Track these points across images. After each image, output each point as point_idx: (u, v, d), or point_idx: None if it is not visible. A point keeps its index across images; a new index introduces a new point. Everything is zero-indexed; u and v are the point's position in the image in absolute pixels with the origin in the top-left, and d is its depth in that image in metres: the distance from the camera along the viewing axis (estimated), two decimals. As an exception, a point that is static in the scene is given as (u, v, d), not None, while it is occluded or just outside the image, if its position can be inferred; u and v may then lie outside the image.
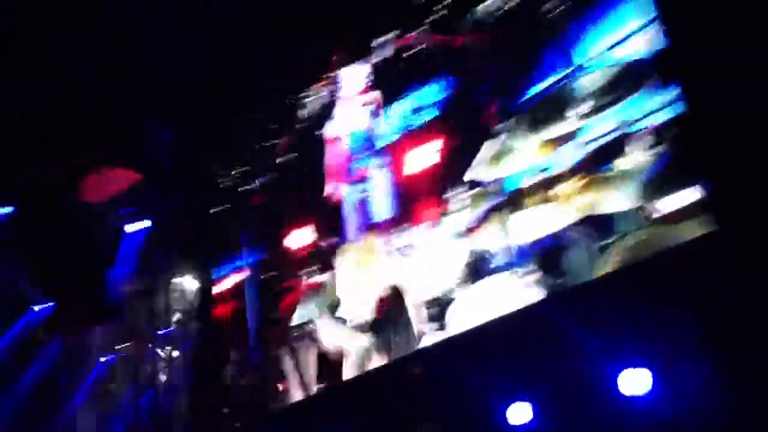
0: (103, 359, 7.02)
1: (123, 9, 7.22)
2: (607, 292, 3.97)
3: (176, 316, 7.00)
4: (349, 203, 5.65)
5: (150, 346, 6.87)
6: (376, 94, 5.75)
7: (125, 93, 7.41)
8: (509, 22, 4.90)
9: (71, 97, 6.92)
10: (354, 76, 5.94)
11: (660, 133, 4.00)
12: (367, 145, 5.69)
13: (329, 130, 6.00)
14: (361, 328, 5.17)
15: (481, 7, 5.07)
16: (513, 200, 4.59)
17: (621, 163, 4.17)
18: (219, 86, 7.12)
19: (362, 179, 5.65)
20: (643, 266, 3.91)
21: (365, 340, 5.11)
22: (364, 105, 5.80)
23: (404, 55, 5.60)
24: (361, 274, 5.31)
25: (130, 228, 6.85)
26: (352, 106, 5.91)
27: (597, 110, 4.33)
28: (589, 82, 4.40)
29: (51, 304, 6.92)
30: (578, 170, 4.34)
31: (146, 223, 6.91)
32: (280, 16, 6.56)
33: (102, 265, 6.89)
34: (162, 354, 6.86)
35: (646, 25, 4.12)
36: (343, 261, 5.45)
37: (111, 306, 6.60)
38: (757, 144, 3.22)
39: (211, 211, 7.00)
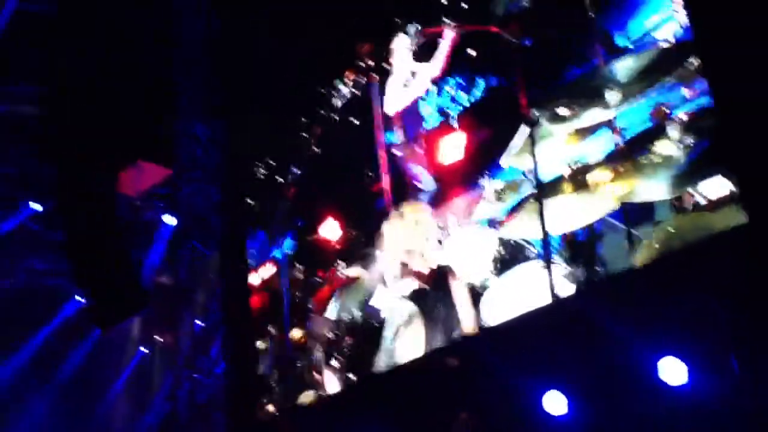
0: (142, 349, 7.19)
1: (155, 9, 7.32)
2: (643, 282, 3.93)
3: (212, 307, 7.09)
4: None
5: (188, 337, 6.97)
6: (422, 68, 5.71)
7: (156, 90, 7.50)
8: (540, 8, 4.85)
9: (101, 94, 7.00)
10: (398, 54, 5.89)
11: (694, 121, 3.94)
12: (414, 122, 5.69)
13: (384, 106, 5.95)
14: (403, 302, 5.17)
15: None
16: (548, 189, 4.55)
17: (656, 151, 4.11)
18: (248, 80, 7.16)
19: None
20: (677, 256, 3.86)
21: (410, 307, 5.11)
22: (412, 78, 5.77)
23: (433, 44, 5.58)
24: (409, 240, 5.28)
25: (165, 220, 6.95)
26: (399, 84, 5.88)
27: (631, 96, 4.26)
28: (623, 67, 4.33)
29: (87, 296, 7.03)
30: (613, 159, 4.29)
31: (174, 219, 6.99)
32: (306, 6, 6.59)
33: (136, 256, 6.99)
34: (198, 343, 6.96)
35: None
36: (391, 226, 5.41)
37: (145, 296, 6.69)
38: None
39: (247, 202, 7.05)
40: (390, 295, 5.27)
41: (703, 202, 3.84)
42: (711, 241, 3.68)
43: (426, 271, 5.09)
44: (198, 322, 7.04)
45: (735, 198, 3.63)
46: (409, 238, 5.19)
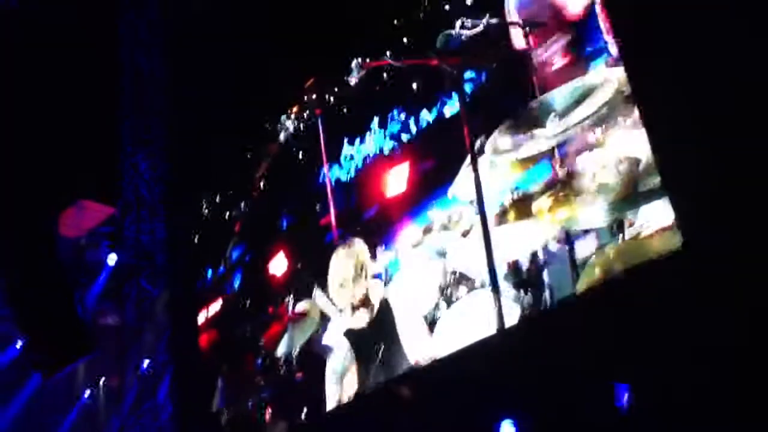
0: (86, 393, 6.96)
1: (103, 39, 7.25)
2: (588, 307, 3.99)
3: (160, 347, 6.93)
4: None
5: (134, 377, 6.80)
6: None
7: (101, 124, 7.41)
8: (481, 43, 4.95)
9: (44, 130, 6.89)
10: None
11: (630, 148, 4.05)
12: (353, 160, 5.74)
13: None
14: (349, 336, 5.15)
15: (452, 30, 5.11)
16: (492, 218, 4.61)
17: (595, 179, 4.21)
18: (193, 115, 7.13)
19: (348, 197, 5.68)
20: (618, 281, 3.93)
21: (354, 350, 5.09)
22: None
23: (379, 77, 5.64)
24: (351, 275, 5.28)
25: (108, 260, 6.82)
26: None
27: (570, 126, 4.37)
28: (561, 97, 4.44)
29: (27, 340, 6.84)
30: (554, 186, 4.38)
31: (118, 257, 6.87)
32: (253, 41, 6.61)
33: (78, 298, 6.82)
34: (146, 385, 6.79)
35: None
36: (337, 260, 5.41)
37: (89, 340, 6.52)
38: (727, 161, 3.27)
39: (194, 239, 6.96)
40: (339, 331, 5.24)
41: (642, 228, 3.94)
42: (649, 267, 3.75)
43: (369, 306, 5.09)
44: (145, 362, 6.88)
45: (673, 224, 3.72)
46: (351, 272, 5.20)
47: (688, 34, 3.48)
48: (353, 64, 5.56)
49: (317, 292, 5.46)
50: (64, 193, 7.00)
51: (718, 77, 3.34)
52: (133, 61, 7.66)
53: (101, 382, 6.99)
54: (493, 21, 4.78)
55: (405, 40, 5.45)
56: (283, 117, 6.28)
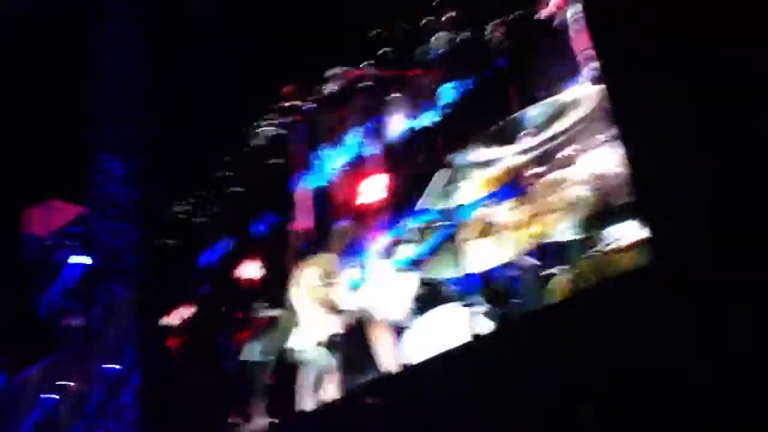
0: (50, 396, 6.84)
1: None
2: (557, 320, 4.06)
3: (127, 350, 6.86)
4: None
5: (96, 382, 6.70)
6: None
7: (71, 125, 7.33)
8: (459, 56, 5.03)
9: (12, 126, 6.79)
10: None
11: (603, 165, 4.14)
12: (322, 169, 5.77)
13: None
14: (321, 346, 5.18)
15: (430, 42, 5.19)
16: (465, 230, 4.68)
17: (567, 194, 4.30)
18: (168, 116, 7.09)
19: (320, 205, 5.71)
20: (588, 294, 4.03)
21: (324, 358, 5.12)
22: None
23: (354, 87, 5.69)
24: (321, 286, 5.33)
25: (72, 261, 6.72)
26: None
27: (542, 143, 4.46)
28: (537, 114, 4.53)
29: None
30: (527, 201, 4.46)
31: (87, 258, 6.78)
32: (230, 41, 6.61)
33: (41, 299, 6.71)
34: (109, 390, 6.71)
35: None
36: (309, 267, 5.43)
37: (51, 341, 6.42)
38: (703, 180, 3.35)
39: (160, 243, 6.90)
40: (309, 338, 5.26)
41: (613, 243, 4.03)
42: (618, 281, 3.85)
43: (340, 314, 5.13)
44: (111, 365, 6.79)
45: (644, 240, 3.81)
46: (323, 280, 5.23)
47: (666, 54, 3.57)
48: (330, 73, 5.62)
49: (289, 299, 5.47)
50: (32, 191, 6.89)
51: (696, 95, 3.43)
52: (104, 59, 7.57)
53: (65, 385, 6.89)
54: (470, 35, 4.88)
55: (385, 50, 5.50)
56: (261, 122, 6.28)
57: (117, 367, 6.68)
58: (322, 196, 5.80)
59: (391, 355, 4.78)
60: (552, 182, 4.40)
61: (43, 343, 6.46)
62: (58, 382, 6.83)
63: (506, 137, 4.60)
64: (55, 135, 7.11)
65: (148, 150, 7.15)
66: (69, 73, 7.33)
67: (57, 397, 6.76)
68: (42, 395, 6.93)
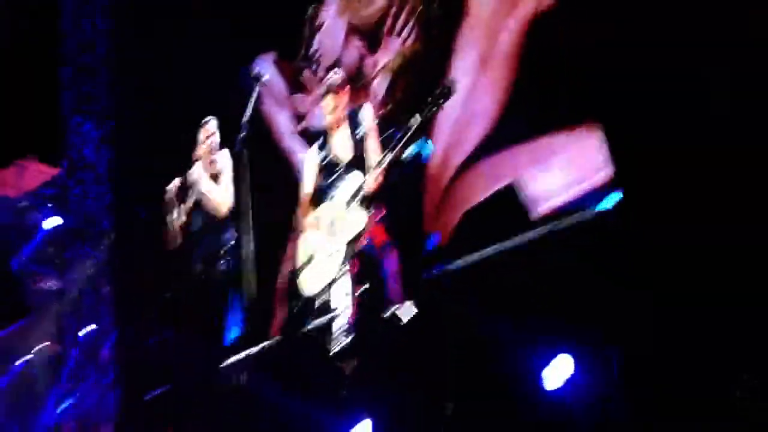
0: (20, 361, 6.79)
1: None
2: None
3: (102, 311, 6.81)
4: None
5: (71, 344, 6.66)
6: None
7: (46, 83, 7.18)
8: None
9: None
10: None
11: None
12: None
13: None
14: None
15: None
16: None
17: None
18: (142, 76, 6.95)
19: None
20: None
21: None
22: None
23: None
24: None
25: (46, 224, 6.62)
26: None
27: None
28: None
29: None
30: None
31: (59, 220, 6.66)
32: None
33: (14, 262, 6.63)
34: (87, 350, 6.67)
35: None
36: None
37: (24, 303, 6.34)
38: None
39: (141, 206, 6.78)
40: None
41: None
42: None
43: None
44: (86, 328, 6.73)
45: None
46: None
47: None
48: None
49: None
50: (5, 152, 6.77)
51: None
52: (77, 22, 7.40)
53: (39, 348, 6.85)
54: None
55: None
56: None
57: (91, 328, 6.63)
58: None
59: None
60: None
61: (16, 306, 6.38)
62: (31, 345, 6.79)
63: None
64: (29, 96, 6.96)
65: (123, 111, 7.01)
66: (43, 33, 7.18)
67: (31, 359, 6.73)
68: (15, 358, 6.89)
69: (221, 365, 5.10)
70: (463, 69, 4.60)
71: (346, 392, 4.23)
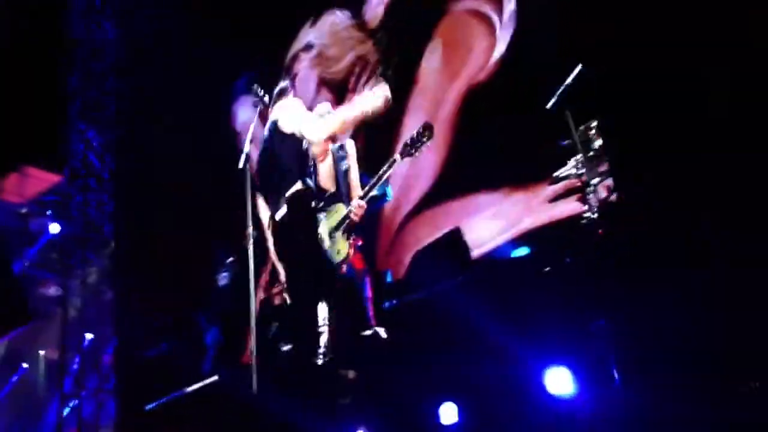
0: (24, 366, 6.78)
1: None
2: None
3: (103, 318, 6.81)
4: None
5: (72, 351, 6.66)
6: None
7: (50, 91, 7.21)
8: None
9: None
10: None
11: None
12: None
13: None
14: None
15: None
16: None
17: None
18: (146, 85, 6.98)
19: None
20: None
21: None
22: None
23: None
24: None
25: (50, 229, 6.63)
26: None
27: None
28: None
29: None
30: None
31: (58, 227, 6.68)
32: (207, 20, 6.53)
33: (16, 266, 6.63)
34: (89, 357, 6.67)
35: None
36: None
37: (27, 310, 6.33)
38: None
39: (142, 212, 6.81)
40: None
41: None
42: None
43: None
44: (88, 335, 6.73)
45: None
46: None
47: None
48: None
49: None
50: (8, 159, 6.78)
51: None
52: (85, 29, 7.44)
53: (41, 354, 6.85)
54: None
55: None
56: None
57: (91, 336, 6.63)
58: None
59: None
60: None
61: (17, 312, 6.36)
62: (34, 351, 6.79)
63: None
64: (32, 101, 6.97)
65: (126, 119, 7.05)
66: (46, 39, 7.20)
67: (32, 366, 6.73)
68: (19, 364, 6.88)
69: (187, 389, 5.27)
70: (412, 128, 5.16)
71: (340, 402, 4.32)
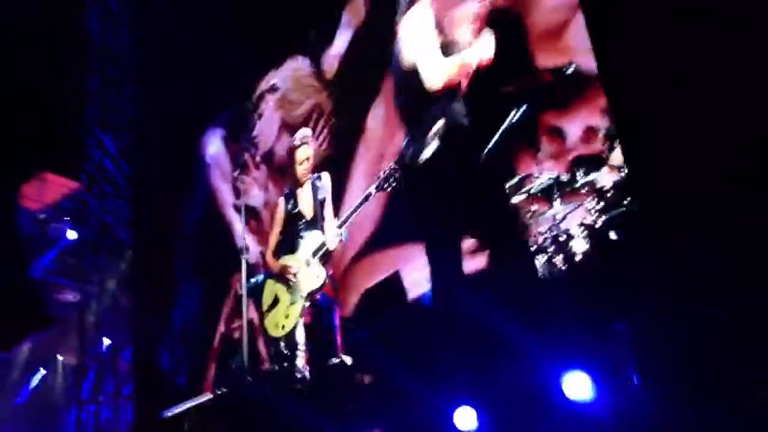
0: (42, 371, 6.83)
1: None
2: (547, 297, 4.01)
3: (120, 324, 6.83)
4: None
5: (89, 357, 6.70)
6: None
7: (69, 98, 7.26)
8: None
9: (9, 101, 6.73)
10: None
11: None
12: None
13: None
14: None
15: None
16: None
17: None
18: (159, 93, 7.01)
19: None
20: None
21: None
22: None
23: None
24: None
25: (67, 235, 6.67)
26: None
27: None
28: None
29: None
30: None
31: (75, 234, 6.73)
32: (221, 25, 6.56)
33: (34, 272, 6.68)
34: (105, 362, 6.70)
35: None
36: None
37: (46, 314, 6.38)
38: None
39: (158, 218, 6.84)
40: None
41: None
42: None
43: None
44: (105, 340, 6.77)
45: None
46: None
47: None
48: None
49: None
50: (27, 165, 6.83)
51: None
52: (101, 35, 7.49)
53: (59, 359, 6.89)
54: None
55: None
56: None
57: (109, 342, 6.67)
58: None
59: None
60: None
61: (36, 317, 6.42)
62: (53, 357, 6.83)
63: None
64: (50, 108, 7.03)
65: (143, 124, 7.08)
66: (64, 46, 7.25)
67: (51, 371, 6.76)
68: (37, 369, 6.93)
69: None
70: (358, 176, 5.50)
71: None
